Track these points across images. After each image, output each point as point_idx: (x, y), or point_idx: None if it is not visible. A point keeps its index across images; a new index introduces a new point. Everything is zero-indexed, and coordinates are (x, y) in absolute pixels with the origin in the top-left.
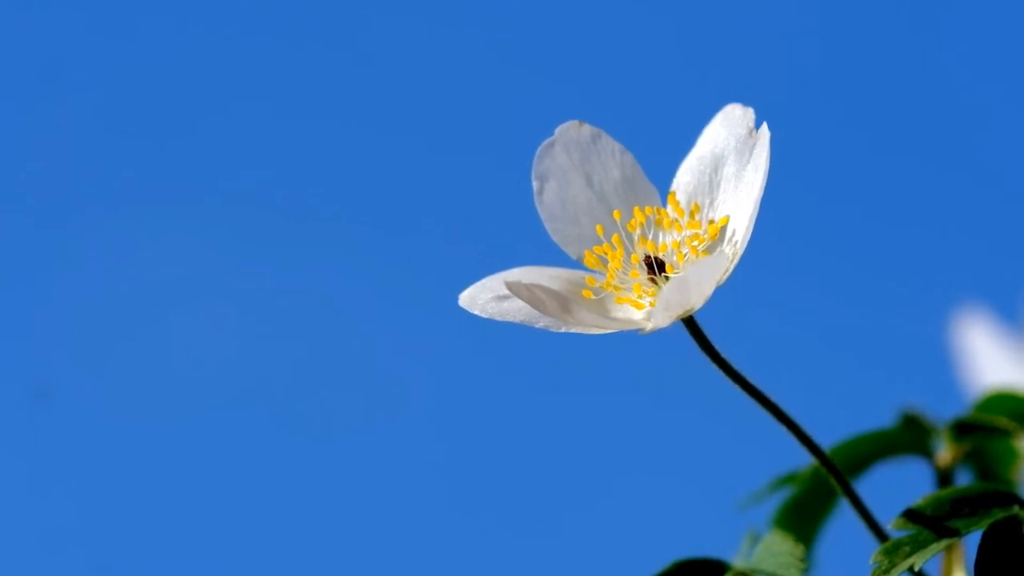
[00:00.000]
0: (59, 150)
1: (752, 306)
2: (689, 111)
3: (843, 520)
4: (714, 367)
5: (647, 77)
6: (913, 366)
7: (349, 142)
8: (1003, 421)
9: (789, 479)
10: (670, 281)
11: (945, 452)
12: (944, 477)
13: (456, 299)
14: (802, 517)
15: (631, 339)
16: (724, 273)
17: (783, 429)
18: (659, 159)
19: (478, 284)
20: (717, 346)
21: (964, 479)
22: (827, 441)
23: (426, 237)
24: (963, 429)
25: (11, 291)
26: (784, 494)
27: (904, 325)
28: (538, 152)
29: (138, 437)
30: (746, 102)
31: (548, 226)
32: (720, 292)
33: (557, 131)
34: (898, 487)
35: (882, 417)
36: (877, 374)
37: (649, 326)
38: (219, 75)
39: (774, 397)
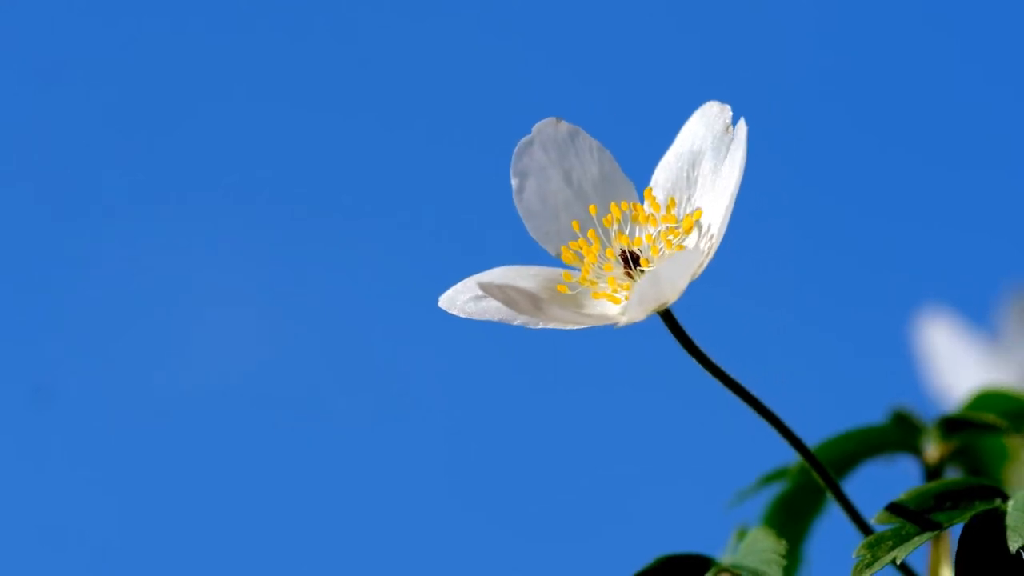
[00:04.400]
0: (61, 150)
1: (745, 303)
2: (667, 108)
3: (834, 516)
4: (694, 362)
5: (624, 74)
6: (898, 364)
7: (353, 137)
8: (992, 418)
9: (778, 475)
10: (643, 275)
11: (934, 449)
12: (933, 474)
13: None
14: (792, 513)
15: (619, 334)
16: (698, 267)
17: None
18: (637, 156)
19: (457, 286)
20: (700, 343)
21: (953, 476)
22: (816, 438)
23: (432, 230)
24: (952, 426)
25: (12, 292)
26: (774, 490)
27: (889, 323)
28: (516, 150)
29: (139, 437)
30: (723, 99)
31: (527, 223)
32: (703, 289)
33: (535, 129)
34: (887, 484)
35: (873, 414)
36: (865, 371)
37: (623, 320)
38: (220, 76)
39: (757, 392)
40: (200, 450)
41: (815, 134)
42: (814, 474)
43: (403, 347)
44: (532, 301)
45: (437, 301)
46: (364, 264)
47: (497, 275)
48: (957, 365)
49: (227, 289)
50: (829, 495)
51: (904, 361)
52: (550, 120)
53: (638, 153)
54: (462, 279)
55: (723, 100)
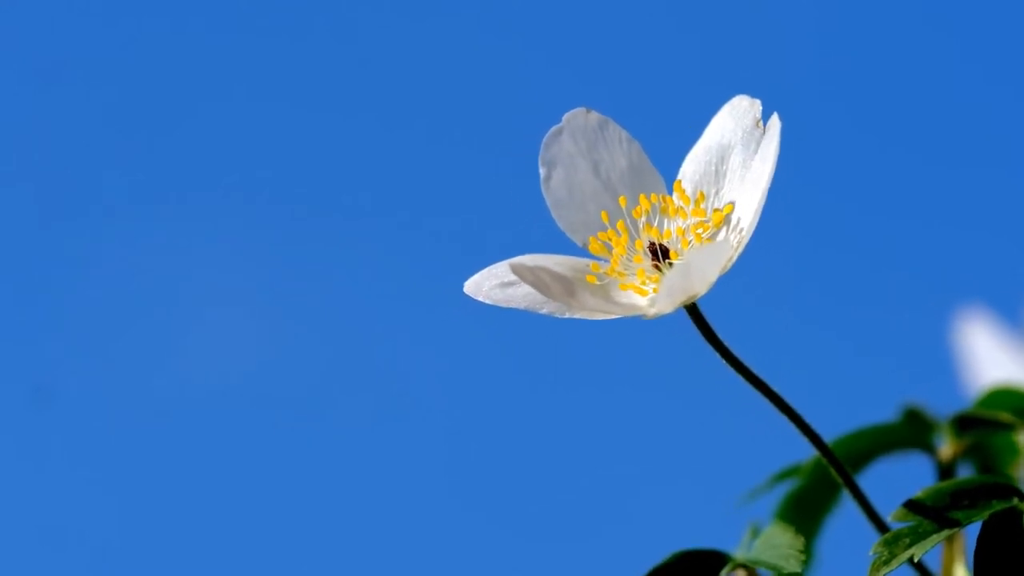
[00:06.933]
0: (61, 150)
1: (757, 300)
2: (696, 101)
3: (845, 514)
4: (717, 357)
5: (654, 66)
6: (916, 363)
7: (354, 136)
8: (1005, 416)
9: (792, 472)
10: (674, 266)
11: (946, 447)
12: (945, 472)
13: (462, 289)
14: (804, 510)
15: (636, 330)
16: (728, 261)
17: (786, 422)
18: (665, 149)
19: (484, 271)
20: (721, 336)
21: (965, 474)
22: (829, 435)
23: (432, 231)
24: (965, 424)
25: (12, 292)
26: (787, 487)
27: (909, 322)
28: (545, 139)
29: (139, 437)
30: (753, 94)
31: (554, 213)
32: (725, 285)
33: (565, 118)
34: (900, 482)
35: (884, 412)
36: (880, 370)
37: (652, 311)
38: (220, 76)
39: (777, 388)
40: (200, 450)
41: (852, 131)
42: (830, 471)
43: (403, 347)
44: (564, 286)
45: (438, 301)
46: (364, 264)
47: (527, 260)
48: (995, 365)
49: (227, 289)
50: (841, 493)
51: (935, 360)
52: (580, 110)
53: (664, 144)
54: (462, 278)
55: (752, 95)
